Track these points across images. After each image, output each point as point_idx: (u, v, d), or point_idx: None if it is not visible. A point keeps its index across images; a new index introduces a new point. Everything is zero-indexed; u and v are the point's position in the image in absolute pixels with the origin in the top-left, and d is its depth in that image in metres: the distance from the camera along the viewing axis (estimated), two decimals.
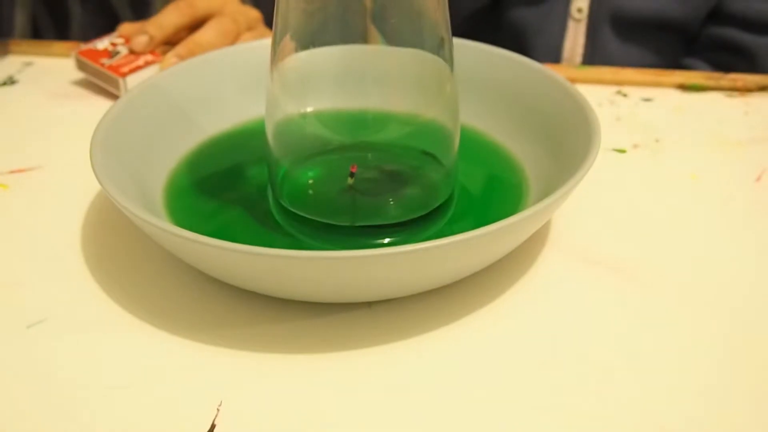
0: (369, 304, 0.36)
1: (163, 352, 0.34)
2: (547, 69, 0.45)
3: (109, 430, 0.30)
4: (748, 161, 0.48)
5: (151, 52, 0.56)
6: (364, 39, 0.37)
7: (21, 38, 0.74)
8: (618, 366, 0.33)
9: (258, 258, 0.31)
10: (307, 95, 0.40)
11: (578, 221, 0.42)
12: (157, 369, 0.33)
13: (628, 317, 0.36)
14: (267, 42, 0.45)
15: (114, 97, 0.55)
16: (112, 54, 0.56)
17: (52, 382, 0.32)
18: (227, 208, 0.41)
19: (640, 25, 0.69)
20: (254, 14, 0.61)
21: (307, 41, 0.38)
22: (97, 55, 0.56)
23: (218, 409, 0.31)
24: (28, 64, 0.60)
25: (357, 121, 0.41)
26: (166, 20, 0.57)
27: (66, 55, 0.60)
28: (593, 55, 0.69)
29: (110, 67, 0.54)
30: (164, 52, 0.56)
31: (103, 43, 0.57)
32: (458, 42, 0.45)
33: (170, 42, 0.58)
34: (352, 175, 0.39)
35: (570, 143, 0.40)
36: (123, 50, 0.56)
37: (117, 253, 0.40)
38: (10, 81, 0.58)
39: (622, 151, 0.49)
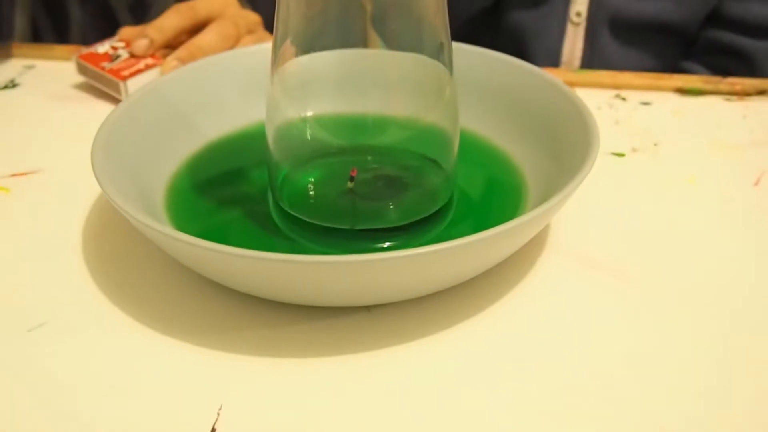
0: (368, 308, 0.36)
1: (164, 356, 0.34)
2: (546, 73, 0.45)
3: None
4: (747, 165, 0.48)
5: (152, 55, 0.56)
6: (364, 43, 0.38)
7: (21, 40, 0.75)
8: (618, 368, 0.33)
9: (257, 262, 0.31)
10: (308, 99, 0.40)
11: (577, 225, 0.42)
12: (157, 372, 0.33)
13: (628, 320, 0.36)
14: (267, 46, 0.45)
15: (115, 100, 0.55)
16: (112, 57, 0.56)
17: (52, 385, 0.33)
18: (227, 211, 0.41)
19: (639, 28, 0.69)
20: (254, 18, 0.61)
21: (307, 46, 0.38)
22: (97, 58, 0.56)
23: (218, 413, 0.31)
24: (30, 67, 0.61)
25: (357, 125, 0.41)
26: (166, 23, 0.57)
27: (67, 58, 0.61)
28: (592, 59, 0.70)
29: (111, 71, 0.55)
30: (165, 56, 0.57)
31: (103, 47, 0.57)
32: (457, 46, 0.46)
33: (171, 45, 0.58)
34: (351, 179, 0.39)
35: (569, 147, 0.40)
36: (124, 54, 0.56)
37: (117, 256, 0.40)
38: (12, 84, 0.58)
39: (621, 155, 0.49)
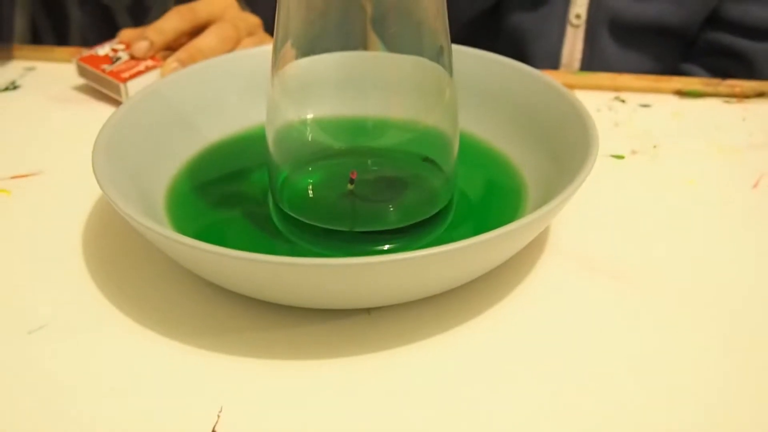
0: (368, 311, 0.36)
1: (164, 358, 0.34)
2: (545, 75, 0.45)
3: None
4: (746, 167, 0.48)
5: (152, 57, 0.57)
6: (364, 46, 0.38)
7: (20, 42, 0.75)
8: (618, 370, 0.33)
9: (257, 265, 0.32)
10: (308, 102, 0.40)
11: (577, 227, 0.42)
12: (157, 374, 0.33)
13: (627, 322, 0.36)
14: (268, 48, 0.45)
15: (115, 102, 0.55)
16: (113, 60, 0.56)
17: (52, 387, 0.33)
18: (228, 213, 0.42)
19: (638, 30, 0.69)
20: (254, 20, 0.61)
21: (307, 48, 0.38)
22: (98, 61, 0.56)
23: (219, 415, 0.31)
24: (30, 69, 0.61)
25: (357, 127, 0.41)
26: (166, 26, 0.57)
27: (68, 60, 0.61)
28: (591, 61, 0.70)
29: (111, 73, 0.55)
30: (165, 58, 0.57)
31: (104, 50, 0.57)
32: (457, 49, 0.46)
33: (171, 47, 0.58)
34: (351, 181, 0.40)
35: (568, 149, 0.40)
36: (124, 56, 0.56)
37: (118, 258, 0.40)
38: (13, 86, 0.58)
39: (621, 157, 0.49)
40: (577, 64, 0.70)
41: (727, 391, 0.32)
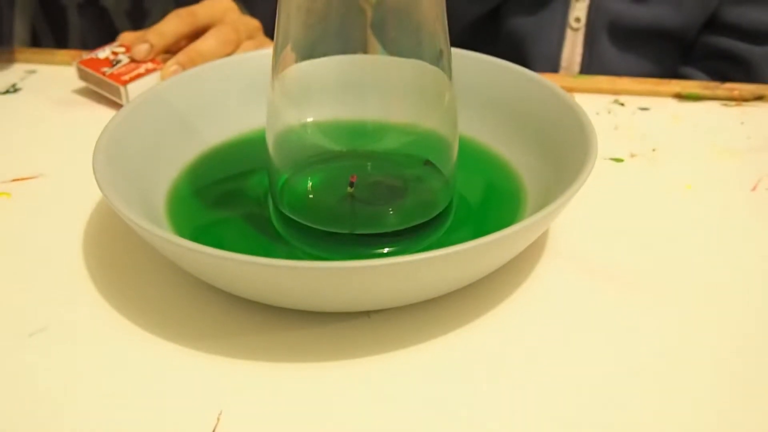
0: (368, 314, 0.36)
1: (165, 361, 0.34)
2: (545, 79, 0.45)
3: None
4: (745, 170, 0.48)
5: (152, 60, 0.57)
6: (364, 49, 0.38)
7: (20, 45, 0.75)
8: (617, 373, 0.33)
9: (258, 268, 0.32)
10: (308, 105, 0.40)
11: (576, 230, 0.42)
12: (157, 377, 0.33)
13: (626, 325, 0.36)
14: (268, 52, 0.45)
15: (116, 105, 0.55)
16: (113, 63, 0.56)
17: (52, 389, 0.33)
18: (228, 216, 0.42)
19: (638, 34, 0.69)
20: (254, 23, 0.61)
21: (307, 52, 0.38)
22: (98, 64, 0.56)
23: (218, 418, 0.31)
24: (31, 72, 0.61)
25: (357, 130, 0.41)
26: (166, 28, 0.57)
27: (68, 63, 0.61)
28: (591, 64, 0.70)
29: (111, 76, 0.55)
30: (165, 60, 0.57)
31: (104, 53, 0.57)
32: (457, 52, 0.46)
33: (171, 50, 0.58)
34: (351, 185, 0.40)
35: (567, 153, 0.40)
36: (124, 59, 0.57)
37: (118, 261, 0.40)
38: (13, 89, 0.58)
39: (620, 161, 0.49)
40: (576, 67, 0.71)
41: (727, 394, 0.33)
